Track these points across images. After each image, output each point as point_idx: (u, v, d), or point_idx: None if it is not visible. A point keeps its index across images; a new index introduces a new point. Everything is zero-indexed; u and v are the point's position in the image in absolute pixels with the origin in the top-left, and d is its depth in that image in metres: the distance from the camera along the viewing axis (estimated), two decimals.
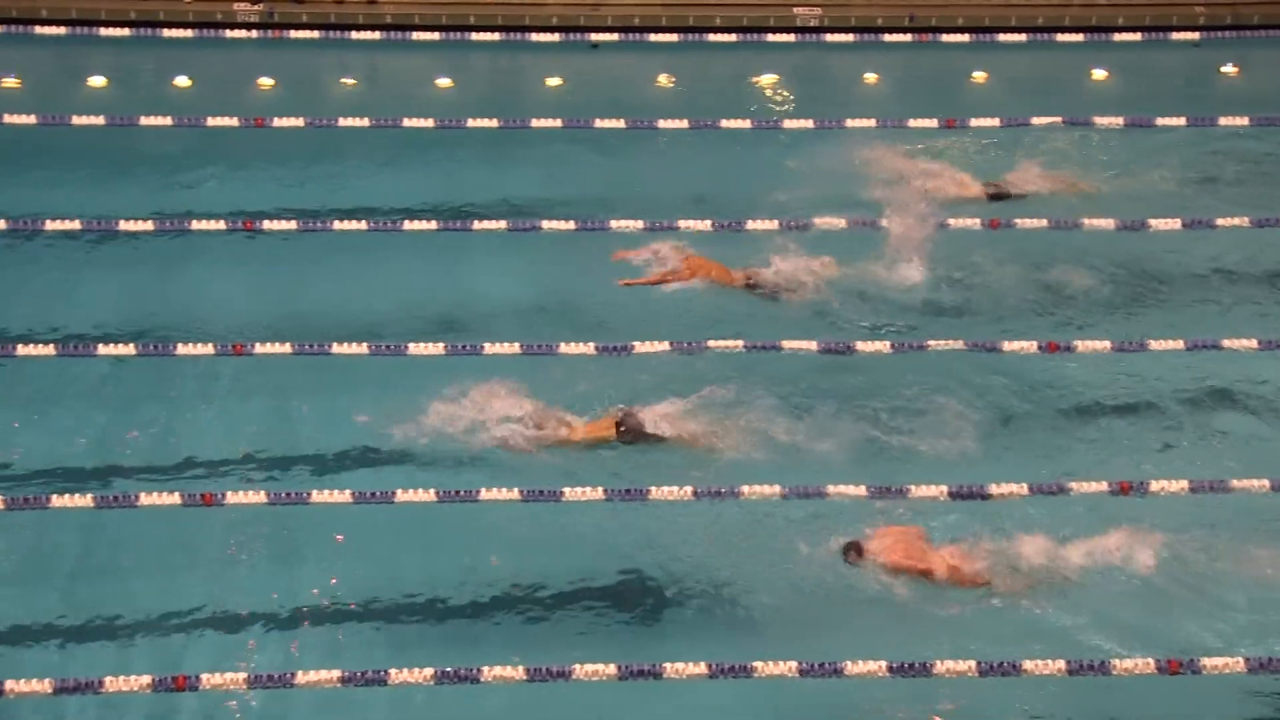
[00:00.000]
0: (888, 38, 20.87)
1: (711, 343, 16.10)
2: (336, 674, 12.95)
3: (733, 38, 20.91)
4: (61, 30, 19.97)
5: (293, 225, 17.35)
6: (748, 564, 14.07)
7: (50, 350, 15.73)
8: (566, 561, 14.12)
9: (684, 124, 19.29)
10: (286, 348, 15.89)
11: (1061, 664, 13.25)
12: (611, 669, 13.11)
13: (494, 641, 13.47)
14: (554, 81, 20.33)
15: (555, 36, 20.77)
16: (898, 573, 13.87)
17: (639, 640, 13.55)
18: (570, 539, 14.30)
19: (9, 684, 12.63)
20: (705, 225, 17.59)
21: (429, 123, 19.07)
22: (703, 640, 13.49)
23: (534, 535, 14.30)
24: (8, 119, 18.46)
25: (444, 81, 20.15)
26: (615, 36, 20.88)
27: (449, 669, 13.01)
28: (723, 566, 14.06)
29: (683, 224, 17.55)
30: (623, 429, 15.12)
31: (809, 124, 19.33)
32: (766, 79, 20.39)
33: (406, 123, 19.01)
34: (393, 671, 13.01)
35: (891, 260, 17.06)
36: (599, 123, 19.24)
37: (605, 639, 13.56)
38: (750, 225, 17.61)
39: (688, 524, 14.44)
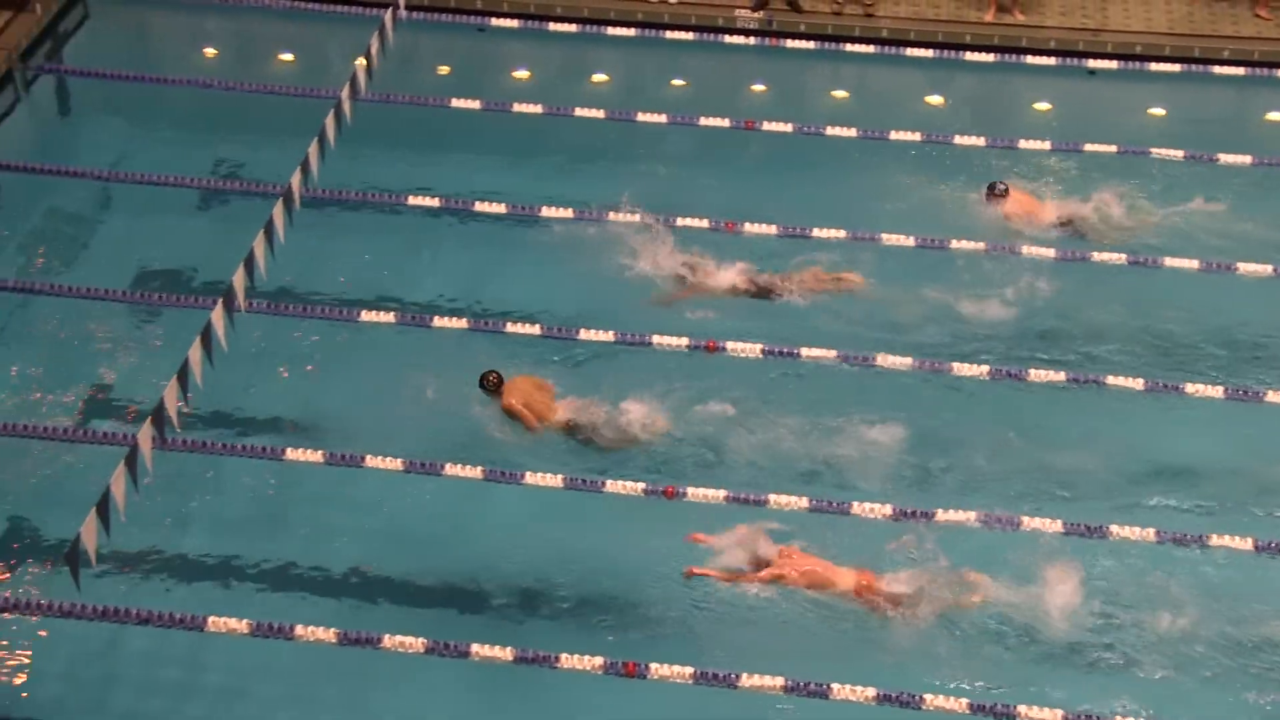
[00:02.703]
0: None
1: None
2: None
3: (1240, 71, 20.08)
4: (572, 28, 20.92)
5: (773, 230, 17.65)
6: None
7: (537, 330, 16.45)
8: None
9: (1179, 155, 18.68)
10: (756, 349, 16.17)
11: None
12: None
13: None
14: (1042, 106, 20.02)
15: (1051, 60, 20.43)
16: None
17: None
18: None
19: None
20: (1193, 264, 17.06)
21: (916, 136, 19.07)
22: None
23: None
24: (516, 108, 19.40)
25: (935, 99, 20.12)
26: (1113, 64, 20.38)
27: None
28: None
29: (1168, 262, 17.10)
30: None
31: None
32: (1273, 115, 19.56)
33: (893, 135, 19.07)
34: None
35: None
36: (1087, 147, 18.82)
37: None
38: (1243, 267, 17.05)
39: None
